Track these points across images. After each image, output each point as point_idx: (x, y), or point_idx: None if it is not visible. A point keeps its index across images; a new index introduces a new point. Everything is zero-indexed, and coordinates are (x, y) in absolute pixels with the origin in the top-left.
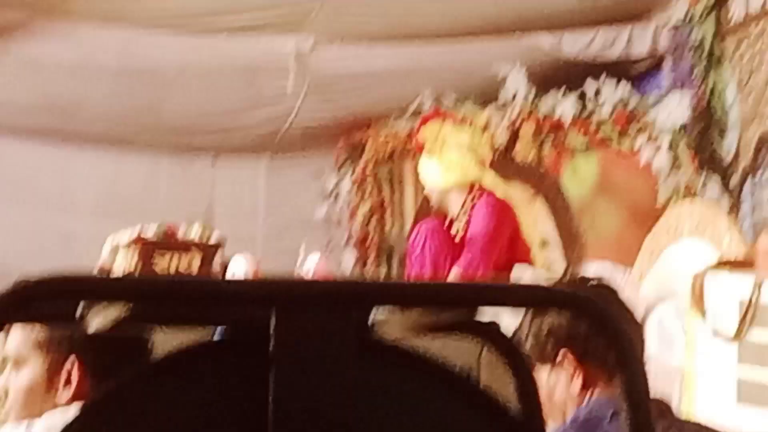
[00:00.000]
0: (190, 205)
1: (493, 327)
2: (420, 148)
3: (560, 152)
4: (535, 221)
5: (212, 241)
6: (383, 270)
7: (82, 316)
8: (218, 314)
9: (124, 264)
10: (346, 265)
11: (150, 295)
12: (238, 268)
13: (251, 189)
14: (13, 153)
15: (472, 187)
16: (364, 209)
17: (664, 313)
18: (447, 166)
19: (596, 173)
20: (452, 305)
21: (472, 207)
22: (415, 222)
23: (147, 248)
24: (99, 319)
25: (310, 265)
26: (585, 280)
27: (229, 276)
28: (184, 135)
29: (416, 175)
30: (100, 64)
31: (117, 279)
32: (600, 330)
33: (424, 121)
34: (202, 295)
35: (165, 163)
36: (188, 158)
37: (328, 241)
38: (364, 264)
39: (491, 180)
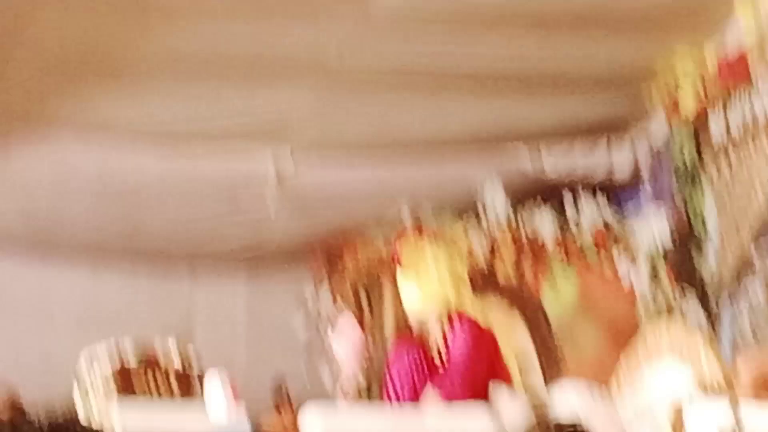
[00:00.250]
0: (169, 318)
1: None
2: (398, 262)
3: (540, 271)
4: (516, 340)
5: (191, 360)
6: (362, 386)
7: None
8: None
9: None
10: (325, 378)
11: None
12: (215, 390)
13: (230, 301)
14: None
15: (451, 314)
16: None
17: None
18: (426, 292)
19: (576, 292)
20: None
21: (453, 332)
22: (396, 339)
23: (127, 377)
24: None
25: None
26: (560, 427)
27: (206, 399)
28: (162, 249)
29: (396, 290)
30: (80, 179)
31: None
32: None
33: (401, 237)
34: None
35: (143, 277)
36: (166, 271)
37: (308, 354)
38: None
39: (470, 304)
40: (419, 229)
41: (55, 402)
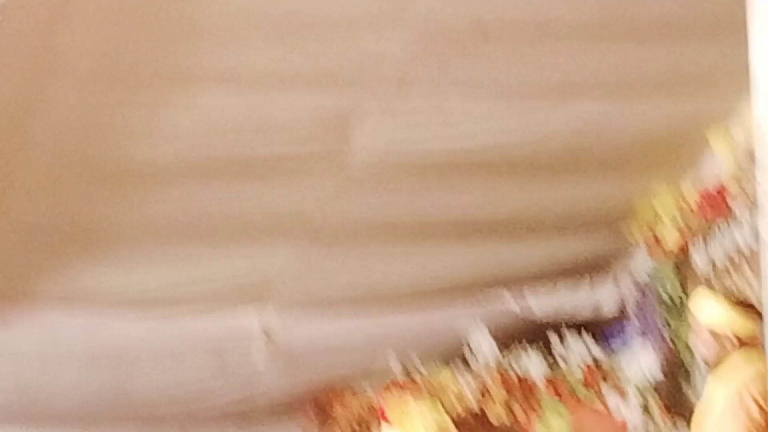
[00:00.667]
0: None
1: None
2: (384, 418)
3: (531, 411)
4: None
5: None
6: None
7: None
8: None
9: None
10: None
11: None
12: None
13: None
14: None
15: None
16: None
17: None
18: None
19: (569, 429)
20: None
21: None
22: None
23: None
24: None
25: None
26: None
27: None
28: (152, 414)
29: None
30: (68, 348)
31: None
32: None
33: (386, 392)
34: None
35: None
36: None
37: None
38: None
39: None
40: (406, 380)
41: None
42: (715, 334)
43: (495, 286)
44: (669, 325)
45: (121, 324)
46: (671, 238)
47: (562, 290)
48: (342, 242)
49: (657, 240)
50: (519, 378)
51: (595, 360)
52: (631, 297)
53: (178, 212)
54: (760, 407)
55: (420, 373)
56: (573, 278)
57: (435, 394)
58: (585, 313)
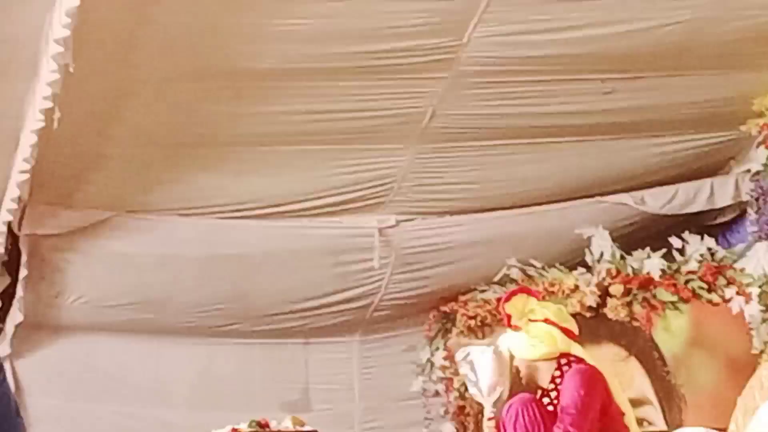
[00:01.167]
0: (285, 389)
1: None
2: (508, 321)
3: (651, 308)
4: (630, 382)
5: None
6: None
7: None
8: None
9: None
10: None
11: None
12: None
13: (345, 369)
14: (107, 349)
15: (560, 357)
16: (460, 379)
17: None
18: (534, 338)
19: (688, 327)
20: None
21: (562, 377)
22: (511, 390)
23: None
24: None
25: None
26: None
27: None
28: (273, 319)
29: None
30: (187, 254)
31: None
32: None
33: (509, 298)
34: None
35: (257, 350)
36: (280, 343)
37: (425, 414)
38: None
39: (579, 350)
40: (527, 282)
41: None
42: None
43: (613, 186)
44: None
45: (238, 230)
46: None
47: (681, 189)
48: (456, 142)
49: None
50: (638, 276)
51: (714, 256)
52: (749, 195)
53: (292, 118)
54: None
55: (540, 275)
56: (692, 177)
57: (556, 296)
58: (704, 211)
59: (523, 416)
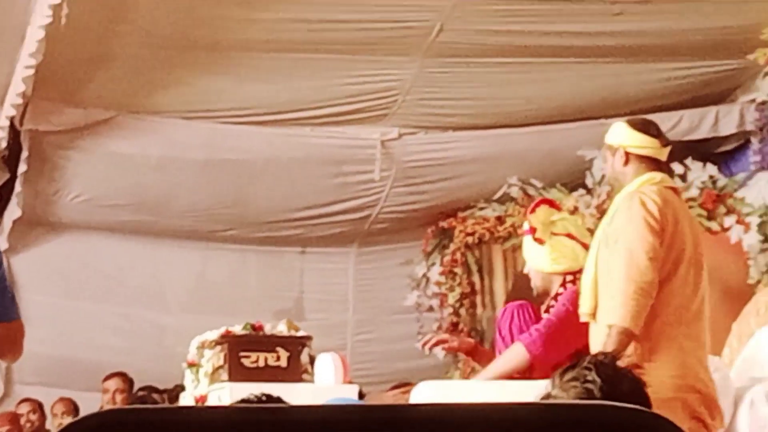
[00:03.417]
0: (280, 297)
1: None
2: (532, 233)
3: None
4: None
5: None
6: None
7: None
8: None
9: (212, 360)
10: (437, 352)
11: (219, 426)
12: (326, 368)
13: (340, 279)
14: (104, 249)
15: (566, 273)
16: (454, 295)
17: (756, 397)
18: (558, 252)
19: None
20: (514, 428)
21: (566, 289)
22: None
23: (234, 344)
24: None
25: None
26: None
27: (317, 376)
28: (271, 227)
29: (506, 259)
30: (187, 156)
31: (181, 409)
32: None
33: (533, 209)
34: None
35: (253, 256)
36: (276, 250)
37: (419, 328)
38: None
39: None
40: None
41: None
42: None
43: (618, 109)
44: None
45: (240, 135)
46: None
47: (685, 114)
48: (463, 58)
49: None
50: None
51: (715, 184)
52: (753, 124)
53: (300, 26)
54: None
55: (540, 194)
56: (697, 104)
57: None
58: (707, 137)
59: (519, 317)
